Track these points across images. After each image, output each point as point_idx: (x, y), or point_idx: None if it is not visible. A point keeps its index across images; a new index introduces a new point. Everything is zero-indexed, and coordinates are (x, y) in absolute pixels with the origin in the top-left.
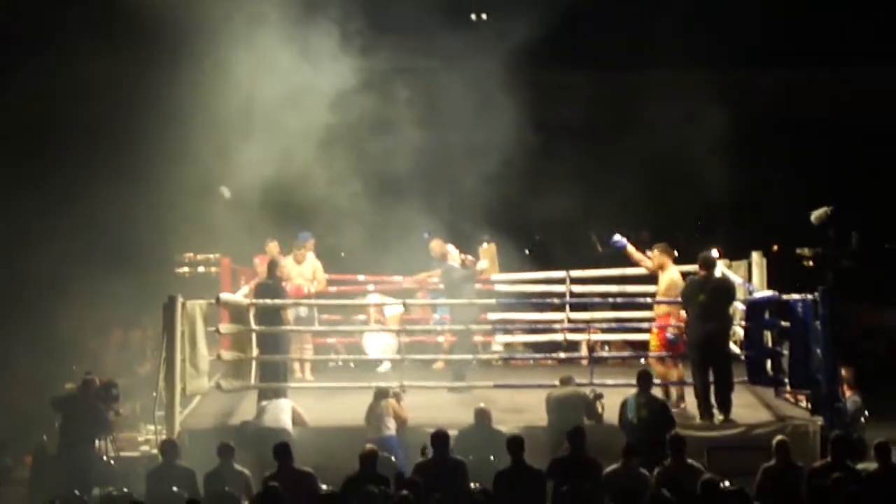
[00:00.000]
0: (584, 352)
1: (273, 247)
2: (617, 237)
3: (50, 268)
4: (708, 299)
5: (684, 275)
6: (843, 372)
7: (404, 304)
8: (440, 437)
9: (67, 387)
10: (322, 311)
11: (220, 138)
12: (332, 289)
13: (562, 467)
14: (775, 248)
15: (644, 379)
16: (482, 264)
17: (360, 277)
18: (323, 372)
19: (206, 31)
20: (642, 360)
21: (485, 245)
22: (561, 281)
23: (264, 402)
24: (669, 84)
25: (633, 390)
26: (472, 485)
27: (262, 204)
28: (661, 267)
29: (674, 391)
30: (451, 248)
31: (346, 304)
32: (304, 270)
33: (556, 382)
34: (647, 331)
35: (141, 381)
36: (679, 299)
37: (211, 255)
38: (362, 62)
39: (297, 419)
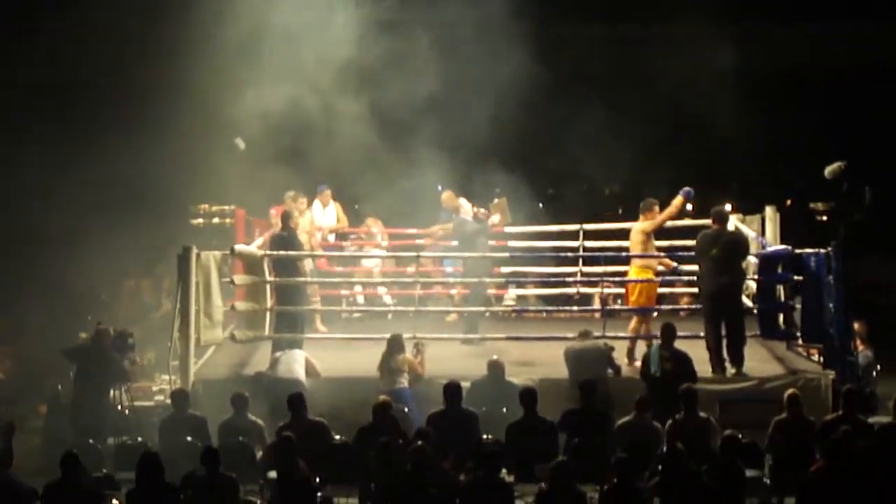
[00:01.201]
0: (596, 305)
1: (291, 198)
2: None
3: (63, 218)
4: (721, 253)
5: (696, 228)
6: (856, 326)
7: (417, 256)
8: (452, 389)
9: (82, 336)
10: (337, 262)
11: (233, 87)
12: (346, 242)
13: (573, 419)
14: (789, 202)
15: (668, 332)
16: (494, 219)
17: (374, 230)
18: (336, 323)
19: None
20: (655, 314)
21: (496, 200)
22: (574, 235)
23: (278, 353)
24: (684, 37)
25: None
26: (484, 436)
27: (276, 155)
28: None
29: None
30: (464, 202)
31: (357, 256)
32: (328, 215)
33: (571, 335)
34: (663, 284)
35: (155, 331)
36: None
37: (226, 207)
38: (375, 10)
39: (310, 370)
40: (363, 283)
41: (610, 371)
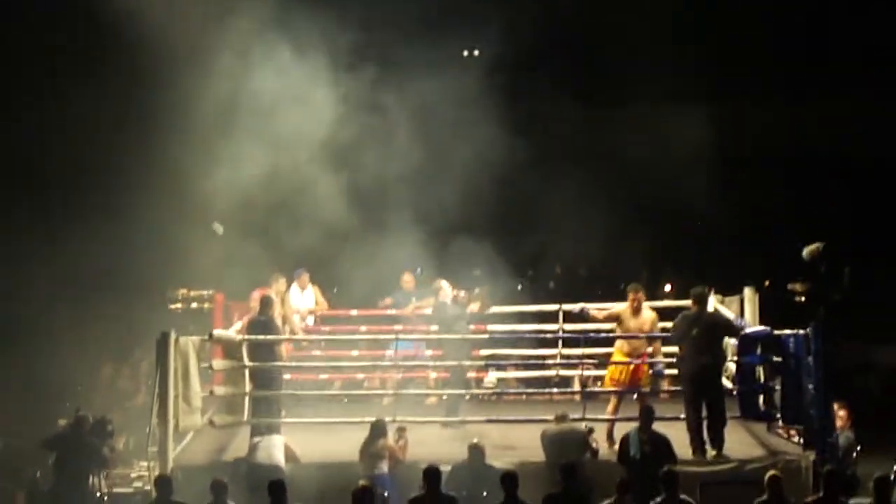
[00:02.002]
0: (576, 387)
1: (280, 283)
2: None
3: (41, 305)
4: (701, 334)
5: (676, 309)
6: (836, 407)
7: (396, 338)
8: (432, 473)
9: (61, 423)
10: (315, 346)
11: (209, 170)
12: (325, 328)
13: (554, 503)
14: (767, 283)
15: (646, 415)
16: (472, 307)
17: (353, 312)
18: (317, 406)
19: (192, 64)
20: (634, 397)
21: (476, 290)
22: (553, 316)
23: (256, 439)
24: (658, 118)
25: (630, 425)
26: None
27: (254, 239)
28: (638, 308)
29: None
30: (444, 284)
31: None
32: (306, 297)
33: (550, 418)
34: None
35: (132, 417)
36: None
37: (204, 291)
38: (351, 88)
39: (289, 455)
40: (341, 366)
41: (587, 454)
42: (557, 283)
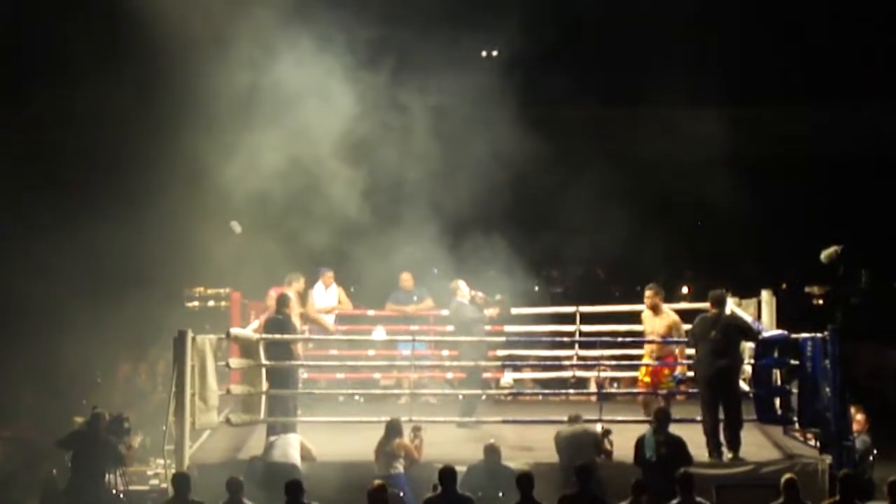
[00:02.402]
0: (592, 388)
1: (300, 282)
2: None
3: (57, 301)
4: (719, 336)
5: (693, 312)
6: (853, 411)
7: (413, 340)
8: (448, 474)
9: (77, 420)
10: (332, 345)
11: (229, 168)
12: (342, 326)
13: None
14: (784, 286)
15: (662, 416)
16: (491, 312)
17: (370, 312)
18: (333, 406)
19: (212, 57)
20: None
21: (498, 296)
22: (571, 318)
23: (273, 437)
24: (677, 119)
25: (645, 427)
26: None
27: (271, 238)
28: (655, 307)
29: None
30: (462, 284)
31: (354, 339)
32: (329, 296)
33: (565, 419)
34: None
35: (149, 415)
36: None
37: (221, 290)
38: (372, 92)
39: (305, 454)
40: (359, 366)
41: (600, 456)
42: (577, 284)
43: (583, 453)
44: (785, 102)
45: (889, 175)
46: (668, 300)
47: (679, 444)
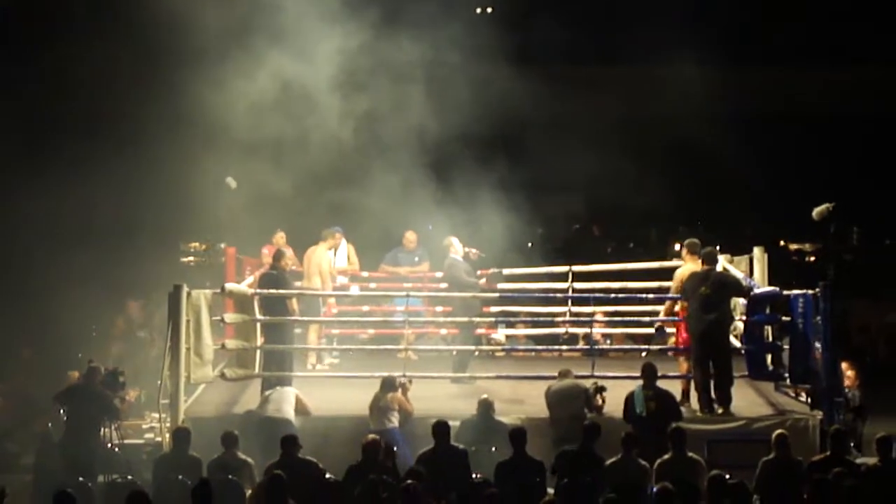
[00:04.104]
0: (584, 344)
1: (280, 237)
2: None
3: (53, 256)
4: (709, 291)
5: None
6: (845, 366)
7: (407, 295)
8: (441, 427)
9: (73, 375)
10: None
11: (230, 131)
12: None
13: (567, 460)
14: (782, 243)
15: (649, 371)
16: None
17: (364, 274)
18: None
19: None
20: (643, 354)
21: (492, 271)
22: (564, 276)
23: (268, 392)
24: (675, 80)
25: (636, 383)
26: (473, 475)
27: (269, 194)
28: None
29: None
30: (455, 241)
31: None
32: (339, 257)
33: (556, 374)
34: (648, 325)
35: (145, 369)
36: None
37: (216, 245)
38: (369, 52)
39: (300, 408)
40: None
41: (588, 410)
42: (570, 241)
43: (572, 407)
44: (782, 60)
45: (882, 133)
46: (658, 258)
47: (668, 399)
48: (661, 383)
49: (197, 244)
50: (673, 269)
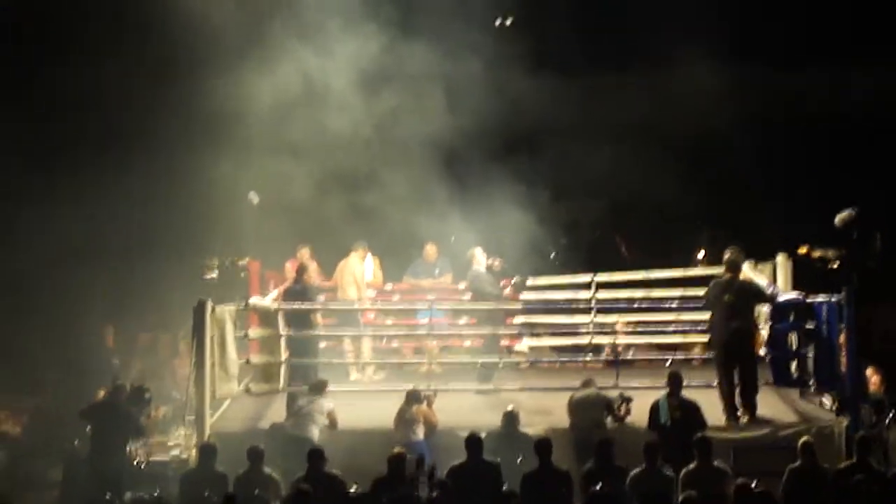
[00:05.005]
0: (608, 354)
1: (304, 252)
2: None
3: (80, 273)
4: (733, 299)
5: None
6: (869, 372)
7: (430, 308)
8: (473, 441)
9: (100, 394)
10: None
11: (250, 143)
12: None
13: (592, 478)
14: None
15: (674, 381)
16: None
17: (388, 286)
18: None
19: (236, 37)
20: (667, 364)
21: (516, 279)
22: (587, 285)
23: (300, 403)
24: (695, 85)
25: (662, 392)
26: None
27: (290, 205)
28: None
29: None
30: (478, 252)
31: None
32: (365, 267)
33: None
34: (672, 333)
35: (170, 385)
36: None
37: (240, 260)
38: (389, 67)
39: (332, 421)
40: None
41: (610, 419)
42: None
43: (592, 414)
44: (806, 64)
45: None
46: (682, 265)
47: (693, 408)
48: (686, 392)
49: (220, 259)
50: (698, 278)
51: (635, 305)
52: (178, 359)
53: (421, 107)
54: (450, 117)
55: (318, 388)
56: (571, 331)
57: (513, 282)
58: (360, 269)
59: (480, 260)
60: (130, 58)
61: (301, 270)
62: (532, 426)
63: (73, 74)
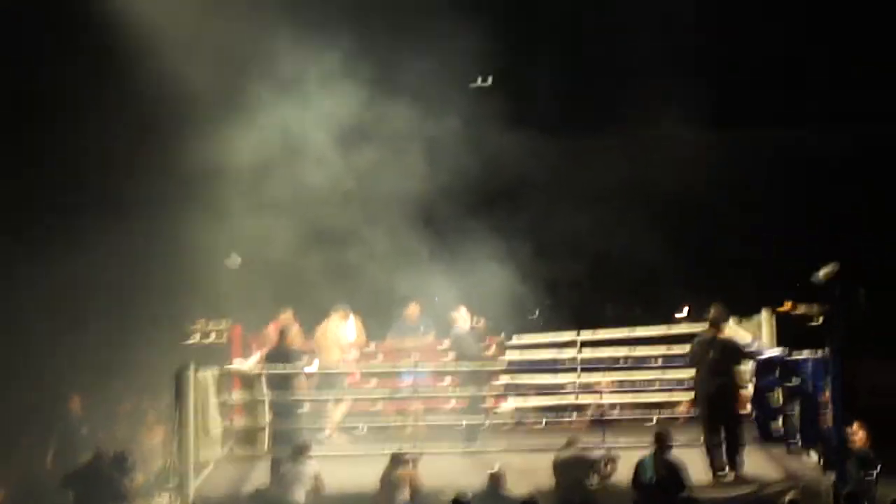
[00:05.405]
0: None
1: (287, 316)
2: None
3: (57, 337)
4: (717, 356)
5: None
6: (855, 427)
7: (415, 367)
8: (463, 502)
9: (83, 460)
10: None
11: (230, 202)
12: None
13: None
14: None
15: (661, 439)
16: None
17: (371, 346)
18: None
19: (216, 97)
20: (653, 421)
21: (502, 335)
22: (571, 344)
23: (286, 467)
24: (671, 144)
25: (647, 451)
26: None
27: (270, 273)
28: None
29: None
30: (463, 313)
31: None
32: (348, 330)
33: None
34: (657, 391)
35: (152, 450)
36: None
37: (221, 324)
38: (368, 127)
39: (318, 486)
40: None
41: (595, 478)
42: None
43: (577, 474)
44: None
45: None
46: (664, 322)
47: (677, 467)
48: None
49: (202, 323)
50: (681, 335)
51: (619, 364)
52: (146, 428)
53: (400, 163)
54: (429, 174)
55: (302, 451)
56: (556, 391)
57: (498, 339)
58: (342, 332)
59: (464, 320)
60: (109, 120)
61: (283, 333)
62: (518, 487)
63: (51, 140)
